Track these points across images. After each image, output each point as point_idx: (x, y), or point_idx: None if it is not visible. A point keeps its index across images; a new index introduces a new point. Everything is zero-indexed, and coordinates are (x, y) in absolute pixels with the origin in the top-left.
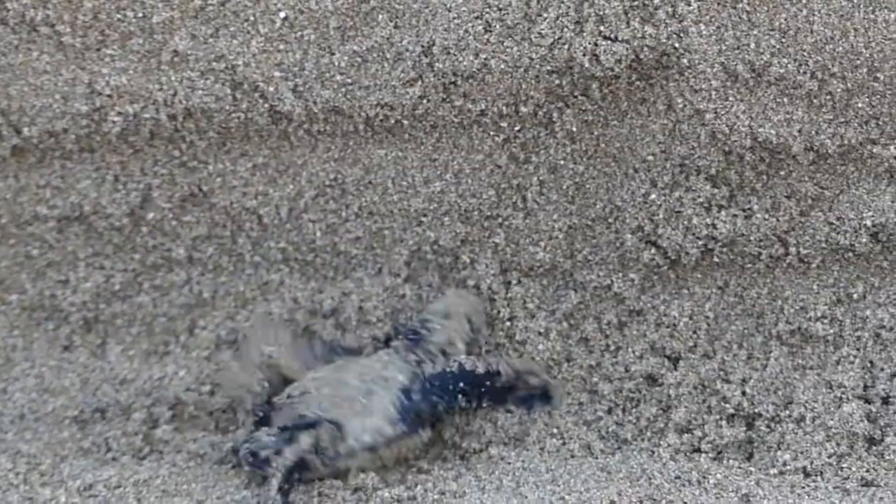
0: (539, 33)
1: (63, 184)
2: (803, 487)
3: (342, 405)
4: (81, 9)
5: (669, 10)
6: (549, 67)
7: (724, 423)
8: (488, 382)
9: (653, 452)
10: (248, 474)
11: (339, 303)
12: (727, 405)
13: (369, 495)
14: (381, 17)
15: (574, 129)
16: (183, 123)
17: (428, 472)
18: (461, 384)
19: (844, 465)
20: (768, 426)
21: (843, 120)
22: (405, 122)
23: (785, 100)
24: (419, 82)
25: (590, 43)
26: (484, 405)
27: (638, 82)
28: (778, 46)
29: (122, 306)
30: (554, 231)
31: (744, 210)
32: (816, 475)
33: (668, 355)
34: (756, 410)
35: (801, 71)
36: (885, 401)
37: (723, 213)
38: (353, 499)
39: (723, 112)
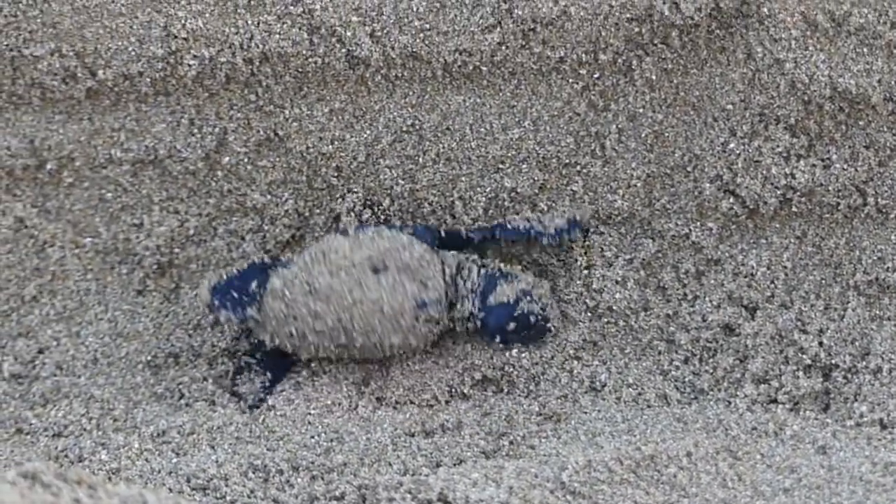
0: None
1: (138, 127)
2: (880, 439)
3: None
4: None
5: None
6: (629, 15)
7: (800, 373)
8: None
9: (729, 403)
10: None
11: None
12: (804, 356)
13: (445, 440)
14: None
15: (653, 77)
16: (259, 67)
17: (504, 420)
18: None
19: None
20: (845, 377)
21: None
22: (483, 68)
23: (865, 50)
24: (498, 28)
25: None
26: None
27: (718, 31)
28: None
29: (197, 251)
30: (632, 179)
31: (822, 160)
32: (893, 427)
33: (745, 305)
34: (833, 361)
35: (881, 21)
36: None
37: (801, 162)
38: (430, 445)
39: (802, 61)
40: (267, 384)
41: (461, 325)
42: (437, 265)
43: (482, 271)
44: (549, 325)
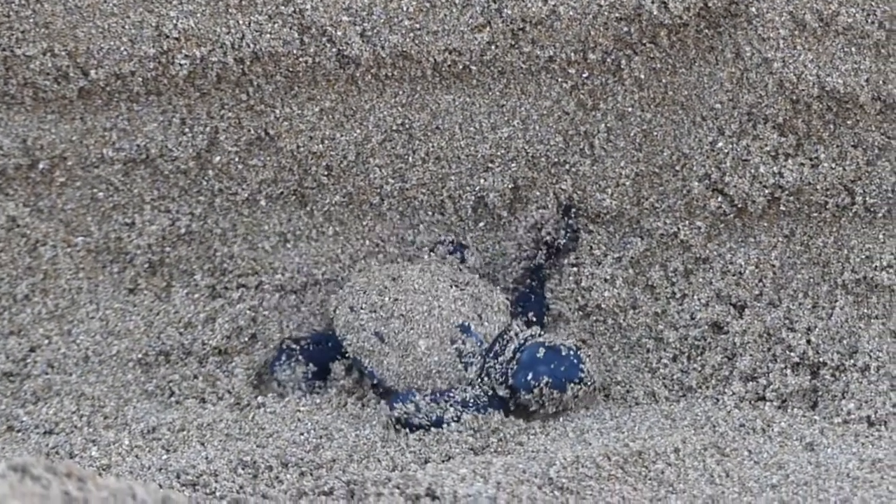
0: None
1: (129, 126)
2: (867, 437)
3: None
4: None
5: None
6: (617, 14)
7: (788, 371)
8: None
9: (717, 400)
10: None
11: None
12: (792, 354)
13: (434, 437)
14: None
15: (642, 76)
16: (250, 67)
17: (492, 417)
18: None
19: None
20: (833, 375)
21: None
22: (473, 67)
23: (853, 49)
24: (487, 28)
25: None
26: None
27: (706, 30)
28: None
29: (188, 249)
30: (621, 178)
31: (811, 159)
32: (880, 424)
33: (733, 303)
34: (821, 359)
35: (869, 20)
36: None
37: (790, 161)
38: (418, 442)
39: (790, 61)
40: (309, 375)
41: (490, 382)
42: (504, 323)
43: (529, 340)
44: (577, 385)
